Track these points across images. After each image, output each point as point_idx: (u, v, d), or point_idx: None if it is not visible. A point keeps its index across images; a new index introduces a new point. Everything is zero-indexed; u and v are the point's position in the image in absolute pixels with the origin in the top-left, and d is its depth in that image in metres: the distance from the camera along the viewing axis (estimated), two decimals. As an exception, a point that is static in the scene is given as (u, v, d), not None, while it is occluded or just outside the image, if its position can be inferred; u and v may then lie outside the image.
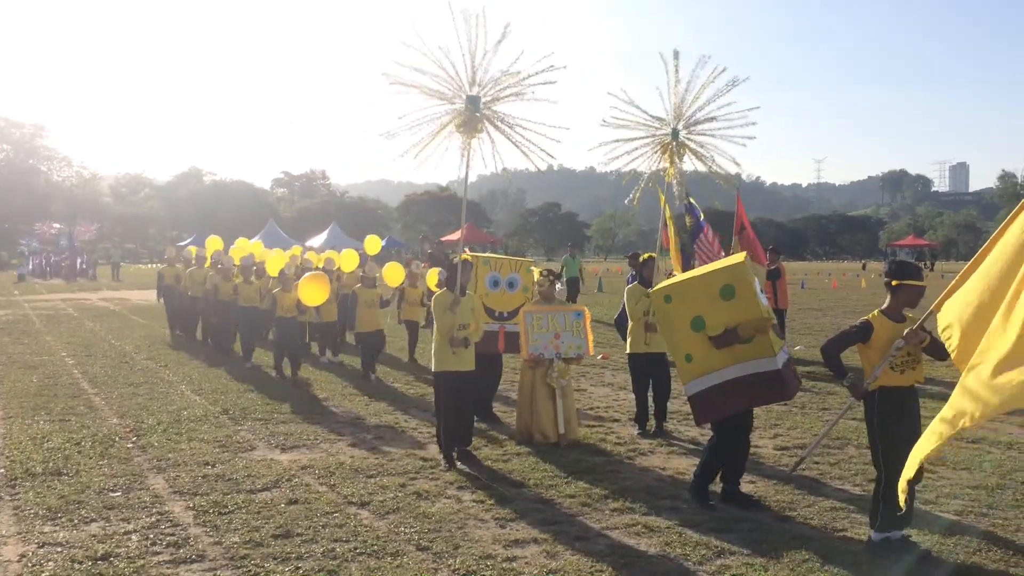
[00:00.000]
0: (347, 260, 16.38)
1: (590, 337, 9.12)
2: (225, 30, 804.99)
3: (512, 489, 7.07)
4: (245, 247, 18.79)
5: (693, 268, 13.95)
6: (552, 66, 7.81)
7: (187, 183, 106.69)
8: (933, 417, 4.72)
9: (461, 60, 7.92)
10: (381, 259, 20.34)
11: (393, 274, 14.08)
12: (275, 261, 15.82)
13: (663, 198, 10.33)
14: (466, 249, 9.20)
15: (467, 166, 8.28)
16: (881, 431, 5.66)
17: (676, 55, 8.61)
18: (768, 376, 6.28)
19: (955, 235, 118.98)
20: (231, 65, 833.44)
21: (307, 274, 13.14)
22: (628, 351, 9.42)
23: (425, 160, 8.11)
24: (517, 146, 8.11)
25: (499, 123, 8.14)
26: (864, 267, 77.18)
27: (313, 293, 12.45)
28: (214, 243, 18.89)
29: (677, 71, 8.60)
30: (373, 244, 19.94)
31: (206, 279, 16.11)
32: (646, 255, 9.89)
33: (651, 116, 8.90)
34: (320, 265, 16.56)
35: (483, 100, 8.08)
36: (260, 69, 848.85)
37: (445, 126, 8.10)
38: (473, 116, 8.04)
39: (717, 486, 6.79)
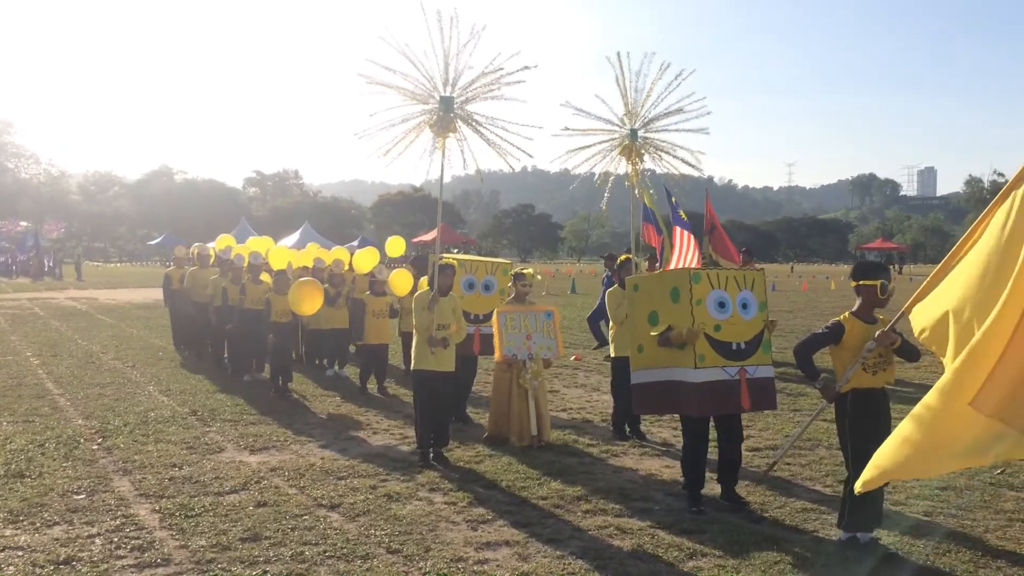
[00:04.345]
0: (362, 261, 14.26)
1: (559, 338, 9.10)
2: (196, 26, 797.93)
3: (484, 491, 7.03)
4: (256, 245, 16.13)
5: (678, 263, 13.97)
6: (525, 66, 7.83)
7: (157, 181, 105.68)
8: (903, 418, 4.76)
9: (434, 61, 7.91)
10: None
11: (401, 282, 11.85)
12: (279, 256, 14.51)
13: (647, 197, 10.32)
14: (455, 250, 9.16)
15: (442, 167, 8.28)
16: (852, 432, 5.70)
17: (620, 56, 8.55)
18: (683, 386, 6.41)
19: (923, 238, 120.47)
20: (202, 62, 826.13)
21: (298, 280, 11.87)
22: (612, 354, 9.38)
23: (396, 159, 8.10)
24: (491, 146, 8.10)
25: (472, 123, 8.13)
26: (792, 269, 78.26)
27: (303, 301, 11.36)
28: (225, 242, 16.23)
29: (623, 71, 8.53)
30: (396, 246, 16.41)
31: (211, 282, 14.07)
32: (623, 256, 9.87)
33: (606, 120, 8.82)
34: (328, 264, 14.22)
35: (456, 101, 8.07)
36: (231, 66, 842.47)
37: (418, 126, 8.08)
38: (447, 116, 8.03)
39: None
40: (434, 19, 7.70)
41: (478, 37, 7.81)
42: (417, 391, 8.19)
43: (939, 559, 5.51)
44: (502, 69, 7.93)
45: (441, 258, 8.53)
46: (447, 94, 8.05)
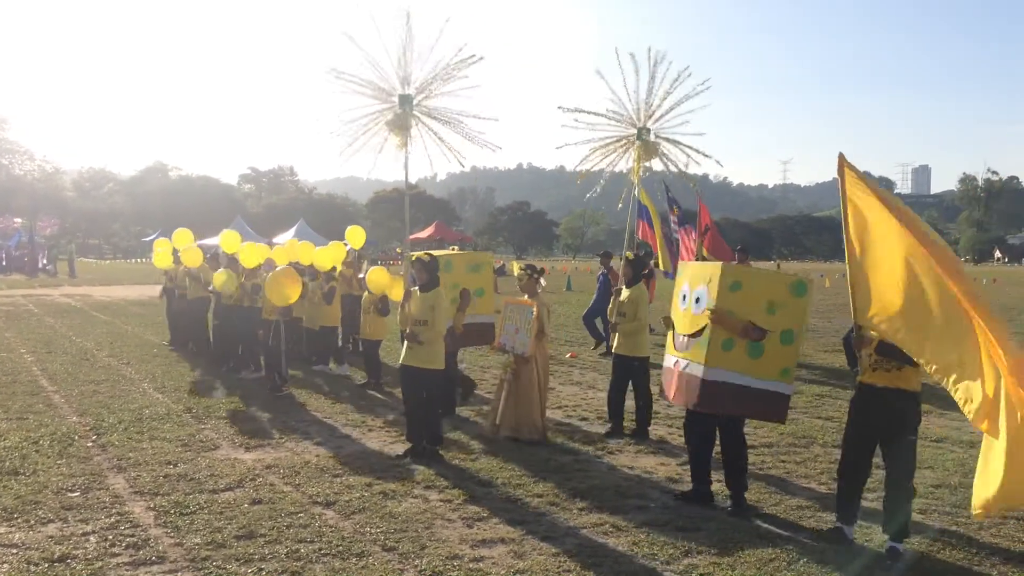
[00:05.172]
0: (325, 256, 13.46)
1: (532, 335, 8.96)
2: (191, 23, 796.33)
3: (480, 488, 7.03)
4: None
5: (681, 258, 14.04)
6: (472, 55, 8.12)
7: (152, 178, 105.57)
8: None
9: (392, 60, 8.17)
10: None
11: (376, 279, 11.53)
12: (251, 253, 13.75)
13: (644, 193, 10.45)
14: (454, 247, 9.35)
15: (406, 165, 8.54)
16: (848, 422, 5.92)
17: (633, 57, 8.71)
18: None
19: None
20: (197, 58, 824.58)
21: (273, 272, 11.58)
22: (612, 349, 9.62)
23: (351, 157, 8.46)
24: (442, 143, 8.47)
25: (428, 120, 8.40)
26: (779, 266, 78.07)
27: (281, 291, 11.03)
28: (181, 237, 15.79)
29: (637, 72, 8.73)
30: (356, 236, 16.00)
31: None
32: (627, 254, 9.94)
33: (616, 118, 8.90)
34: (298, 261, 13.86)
35: (416, 99, 8.33)
36: (226, 62, 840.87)
37: (376, 124, 8.36)
38: (405, 114, 8.25)
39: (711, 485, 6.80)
40: (394, 17, 7.95)
41: (440, 32, 8.20)
42: (401, 386, 8.37)
43: (934, 555, 5.53)
44: (471, 57, 8.21)
45: (409, 255, 8.68)
46: (406, 92, 8.29)
